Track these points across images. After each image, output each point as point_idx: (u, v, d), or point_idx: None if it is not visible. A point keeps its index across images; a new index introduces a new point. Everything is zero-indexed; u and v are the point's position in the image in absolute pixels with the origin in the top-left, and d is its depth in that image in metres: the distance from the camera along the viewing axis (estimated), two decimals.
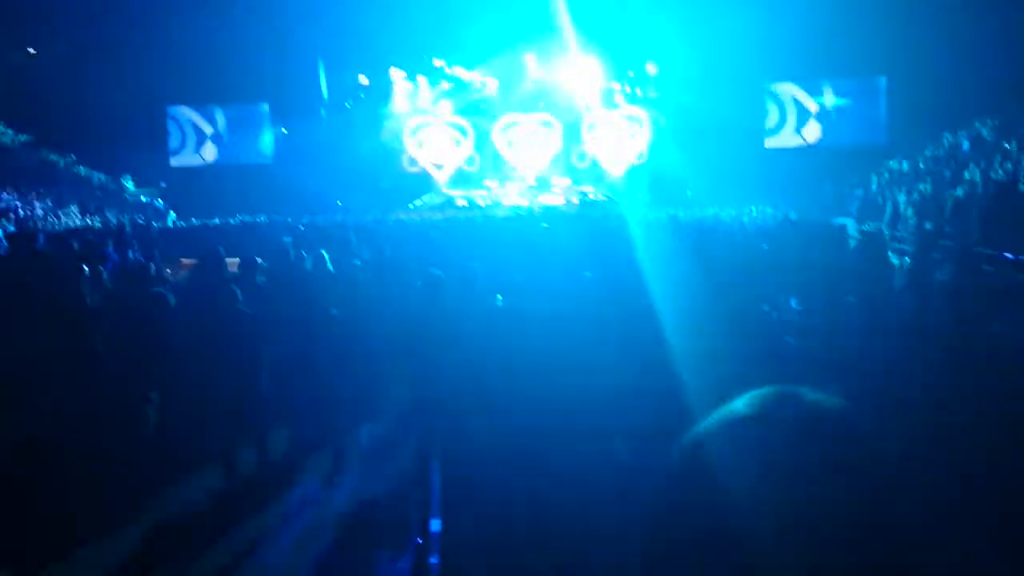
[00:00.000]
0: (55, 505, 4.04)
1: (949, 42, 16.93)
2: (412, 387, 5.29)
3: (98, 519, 4.25)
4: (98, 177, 21.79)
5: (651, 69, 22.65)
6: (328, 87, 23.41)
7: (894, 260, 7.34)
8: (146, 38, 19.73)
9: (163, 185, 22.72)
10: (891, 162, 15.45)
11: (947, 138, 14.47)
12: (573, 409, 4.66)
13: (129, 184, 21.79)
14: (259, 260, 6.42)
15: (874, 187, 14.17)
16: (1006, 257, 7.67)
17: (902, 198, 11.75)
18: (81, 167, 21.61)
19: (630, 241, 7.74)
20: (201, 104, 23.79)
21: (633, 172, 23.39)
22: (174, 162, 23.81)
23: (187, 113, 23.91)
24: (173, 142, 23.88)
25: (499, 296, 5.36)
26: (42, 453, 4.23)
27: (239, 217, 16.98)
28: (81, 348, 4.76)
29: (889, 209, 11.91)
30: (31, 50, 20.71)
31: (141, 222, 14.32)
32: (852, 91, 21.95)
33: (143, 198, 21.71)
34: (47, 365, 4.51)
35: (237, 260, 6.45)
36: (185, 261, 9.75)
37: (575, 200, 21.85)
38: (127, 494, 4.41)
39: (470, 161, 23.99)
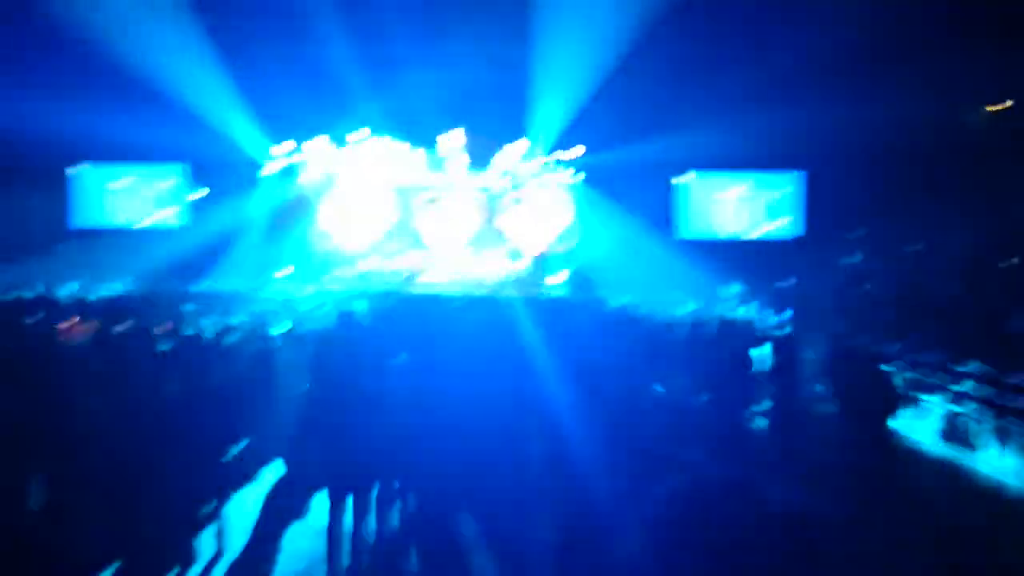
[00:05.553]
0: None
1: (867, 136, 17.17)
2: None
3: None
4: None
5: (577, 152, 22.94)
6: (248, 152, 22.92)
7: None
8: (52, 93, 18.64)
9: (60, 248, 21.19)
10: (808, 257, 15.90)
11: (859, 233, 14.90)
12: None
13: None
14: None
15: (789, 283, 14.54)
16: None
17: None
18: None
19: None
20: (110, 162, 22.71)
21: (552, 254, 23.48)
22: (76, 224, 22.50)
23: (93, 171, 22.79)
24: (75, 203, 22.54)
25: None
26: None
27: (142, 284, 16.24)
28: None
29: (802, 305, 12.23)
30: None
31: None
32: (770, 184, 22.45)
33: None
34: None
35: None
36: (83, 325, 9.41)
37: (499, 276, 21.90)
38: None
39: (391, 232, 23.71)
